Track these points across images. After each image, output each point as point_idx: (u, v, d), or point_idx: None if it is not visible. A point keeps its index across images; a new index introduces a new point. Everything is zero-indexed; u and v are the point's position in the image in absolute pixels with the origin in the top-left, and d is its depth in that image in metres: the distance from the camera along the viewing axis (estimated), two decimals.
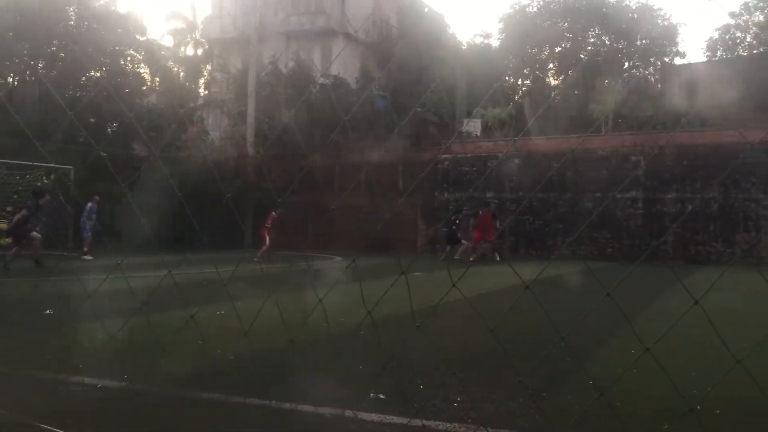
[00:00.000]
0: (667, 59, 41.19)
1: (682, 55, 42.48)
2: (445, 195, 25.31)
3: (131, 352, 5.83)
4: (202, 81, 46.37)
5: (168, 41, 45.41)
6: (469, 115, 30.88)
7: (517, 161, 23.90)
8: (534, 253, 23.29)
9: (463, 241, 20.69)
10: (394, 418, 4.00)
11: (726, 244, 20.97)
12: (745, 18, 40.64)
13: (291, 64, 31.10)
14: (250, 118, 27.90)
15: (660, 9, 51.41)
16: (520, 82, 44.78)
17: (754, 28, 40.70)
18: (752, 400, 4.21)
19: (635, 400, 4.48)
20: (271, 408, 4.18)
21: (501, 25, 43.98)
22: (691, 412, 3.26)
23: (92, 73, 28.92)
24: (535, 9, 42.91)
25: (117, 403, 4.43)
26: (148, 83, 37.48)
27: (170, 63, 43.24)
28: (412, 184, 23.52)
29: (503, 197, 24.10)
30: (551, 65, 43.98)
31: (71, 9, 28.13)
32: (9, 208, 19.84)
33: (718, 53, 41.10)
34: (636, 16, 41.27)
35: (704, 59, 41.17)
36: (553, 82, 43.55)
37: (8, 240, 16.08)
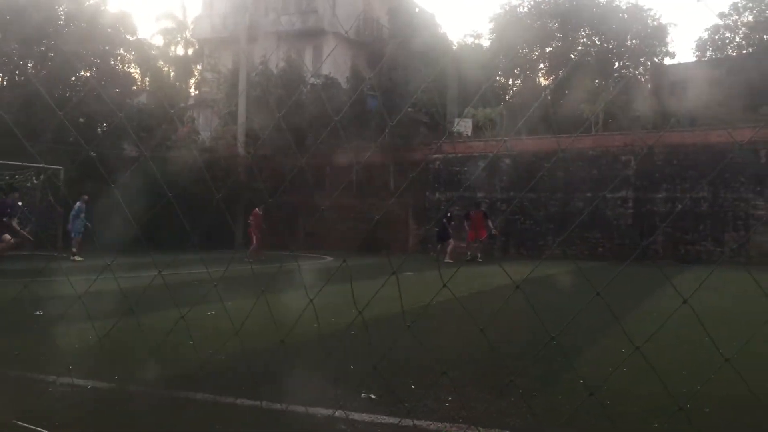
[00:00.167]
0: (657, 59, 41.39)
1: (672, 56, 42.74)
2: (436, 195, 25.33)
3: (122, 352, 5.80)
4: (192, 81, 46.31)
5: (158, 41, 45.35)
6: (459, 115, 30.91)
7: (507, 161, 23.95)
8: (525, 253, 23.35)
9: (450, 241, 20.61)
10: (385, 418, 4.00)
11: (715, 244, 21.09)
12: (734, 18, 40.87)
13: (282, 63, 31.04)
14: (241, 117, 27.85)
15: (650, 9, 51.66)
16: (510, 82, 44.89)
17: (743, 29, 40.95)
18: (741, 398, 4.24)
19: (625, 399, 4.50)
20: (262, 408, 4.18)
21: (491, 25, 44.16)
22: (680, 410, 3.28)
23: (82, 73, 28.78)
24: (525, 9, 43.02)
25: (107, 405, 4.41)
26: (139, 83, 37.38)
27: (160, 63, 43.13)
28: (403, 184, 23.53)
29: (494, 197, 24.15)
30: (542, 65, 44.11)
31: (61, 8, 27.97)
32: None
33: (708, 53, 41.33)
34: (626, 16, 41.46)
35: (694, 59, 41.47)
36: (543, 82, 43.67)
37: None
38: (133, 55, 33.61)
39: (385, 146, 25.23)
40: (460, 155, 25.07)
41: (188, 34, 45.20)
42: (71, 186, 20.07)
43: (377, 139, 22.61)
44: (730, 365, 3.04)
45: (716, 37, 41.62)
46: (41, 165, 19.17)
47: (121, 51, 31.82)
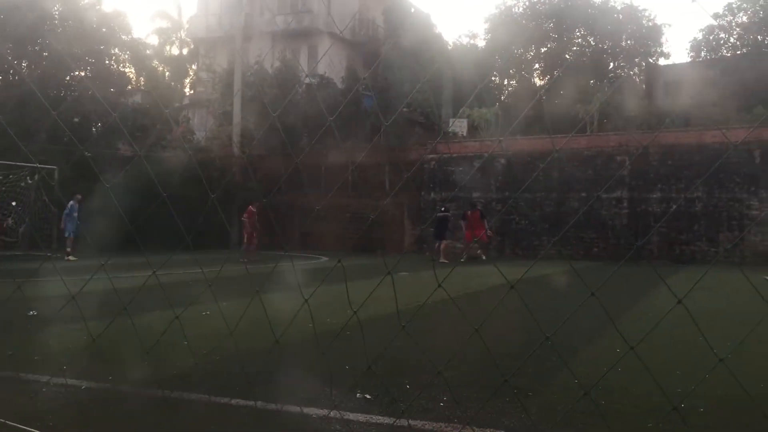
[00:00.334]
0: (651, 60, 41.48)
1: (667, 56, 42.88)
2: (432, 195, 25.33)
3: (116, 353, 5.79)
4: (187, 80, 46.24)
5: (153, 40, 45.27)
6: (455, 115, 30.94)
7: (503, 161, 23.97)
8: (520, 253, 23.36)
9: (444, 240, 20.57)
10: (380, 418, 4.00)
11: (710, 244, 21.14)
12: (728, 19, 40.99)
13: (277, 63, 31.02)
14: (236, 117, 27.82)
15: (645, 10, 51.56)
16: (506, 82, 44.93)
17: (738, 29, 41.06)
18: (735, 397, 4.25)
19: (620, 398, 4.51)
20: (257, 409, 4.17)
21: (487, 26, 44.27)
22: (674, 410, 3.28)
23: (76, 73, 28.69)
24: (520, 9, 43.09)
25: (101, 405, 4.39)
26: (133, 83, 37.29)
27: (155, 62, 43.09)
28: (398, 184, 23.52)
29: (489, 197, 24.16)
30: (537, 65, 44.19)
31: (55, 8, 27.89)
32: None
33: (702, 54, 41.42)
34: (621, 17, 41.53)
35: (688, 60, 41.55)
36: (538, 82, 43.75)
37: None
38: (127, 54, 33.54)
39: (380, 146, 25.24)
40: (455, 155, 25.08)
41: (183, 34, 45.17)
42: (65, 186, 20.02)
43: (372, 139, 22.61)
44: (724, 365, 3.04)
45: (711, 37, 41.73)
46: (35, 165, 19.12)
47: (116, 50, 31.73)
